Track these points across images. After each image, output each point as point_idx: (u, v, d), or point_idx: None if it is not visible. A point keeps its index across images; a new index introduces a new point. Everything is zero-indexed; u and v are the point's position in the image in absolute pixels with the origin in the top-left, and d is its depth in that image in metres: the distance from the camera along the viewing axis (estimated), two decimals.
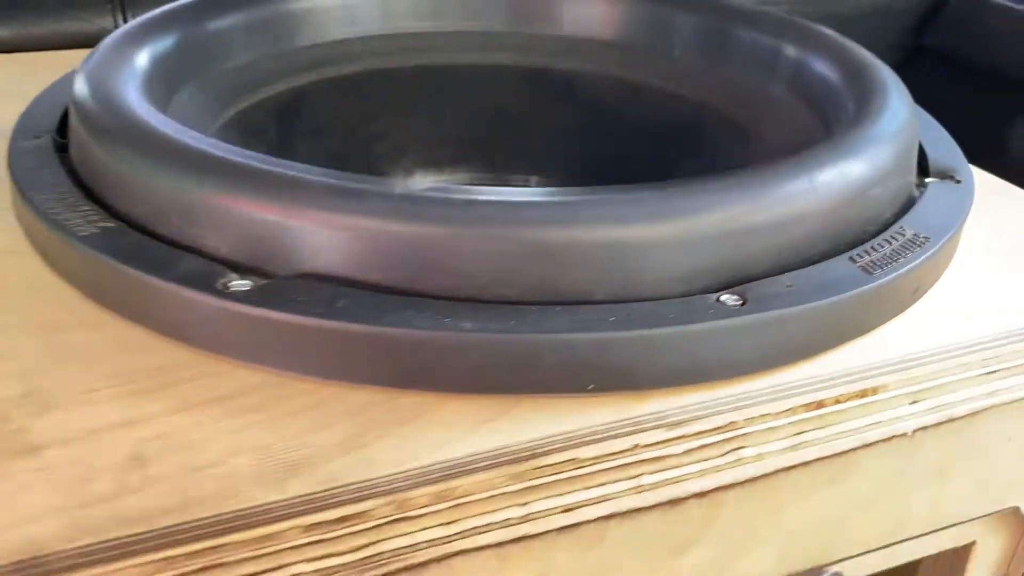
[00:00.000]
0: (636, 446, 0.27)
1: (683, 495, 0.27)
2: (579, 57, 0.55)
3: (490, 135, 0.55)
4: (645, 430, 0.27)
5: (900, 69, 0.43)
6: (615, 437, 0.27)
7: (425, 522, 0.25)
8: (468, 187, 0.29)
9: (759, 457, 0.28)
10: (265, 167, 0.30)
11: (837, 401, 0.29)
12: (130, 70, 0.39)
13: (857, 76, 0.41)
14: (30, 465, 0.25)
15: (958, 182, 0.38)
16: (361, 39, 0.52)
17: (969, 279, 0.35)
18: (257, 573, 0.23)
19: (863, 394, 0.29)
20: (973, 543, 0.36)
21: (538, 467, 0.26)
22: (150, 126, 0.32)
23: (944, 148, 0.41)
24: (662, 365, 0.28)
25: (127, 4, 0.58)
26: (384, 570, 0.24)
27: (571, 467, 0.26)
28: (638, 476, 0.27)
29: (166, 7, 0.45)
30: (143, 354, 0.29)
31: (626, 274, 0.29)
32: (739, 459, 0.28)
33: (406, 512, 0.24)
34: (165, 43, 0.43)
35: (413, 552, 0.25)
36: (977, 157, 0.42)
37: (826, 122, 0.41)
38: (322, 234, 0.29)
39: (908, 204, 0.36)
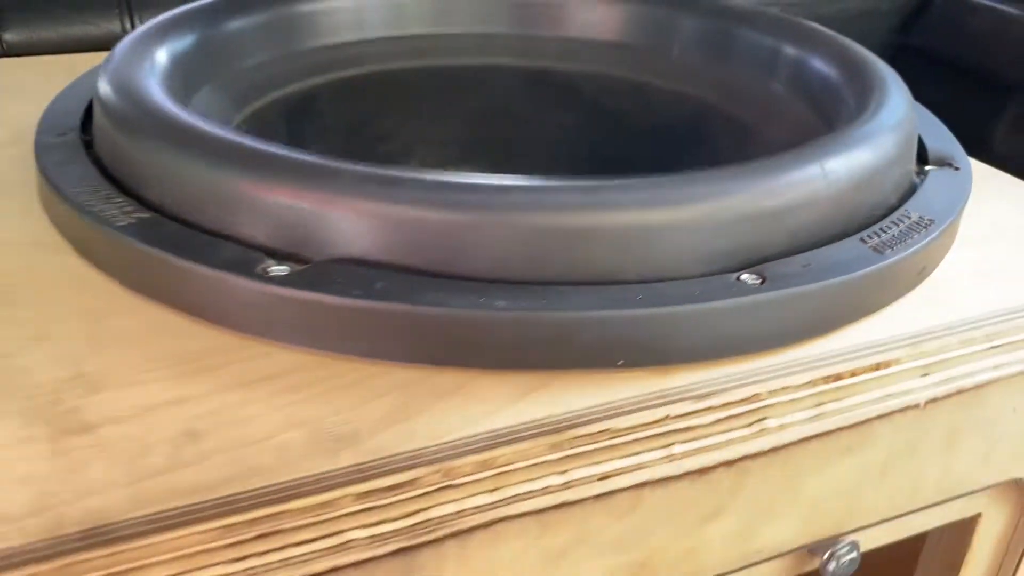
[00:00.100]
0: (667, 417, 0.28)
1: (712, 464, 0.29)
2: (582, 58, 0.56)
3: (494, 135, 0.57)
4: (674, 402, 0.28)
5: None
6: (646, 408, 0.28)
7: (470, 489, 0.26)
8: (499, 175, 0.30)
9: (782, 427, 0.29)
10: (302, 157, 0.31)
11: (853, 374, 0.30)
12: (153, 69, 0.40)
13: (857, 72, 0.43)
14: (86, 442, 0.26)
15: (956, 169, 0.40)
16: (369, 42, 0.54)
17: (971, 260, 0.36)
18: (313, 539, 0.24)
19: (877, 367, 0.31)
20: (979, 516, 0.38)
21: (575, 437, 0.27)
22: (188, 121, 0.33)
23: (941, 138, 0.43)
24: (688, 341, 0.29)
25: (135, 9, 0.59)
26: (433, 536, 0.25)
27: (606, 437, 0.27)
28: (670, 445, 0.28)
29: (182, 8, 0.46)
30: (185, 339, 0.30)
31: (652, 255, 0.30)
32: (763, 429, 0.29)
33: (452, 480, 0.25)
34: (183, 43, 0.44)
35: (460, 518, 0.26)
36: None
37: (826, 118, 0.43)
38: (359, 220, 0.30)
39: (911, 190, 0.37)
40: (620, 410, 0.28)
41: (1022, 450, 0.36)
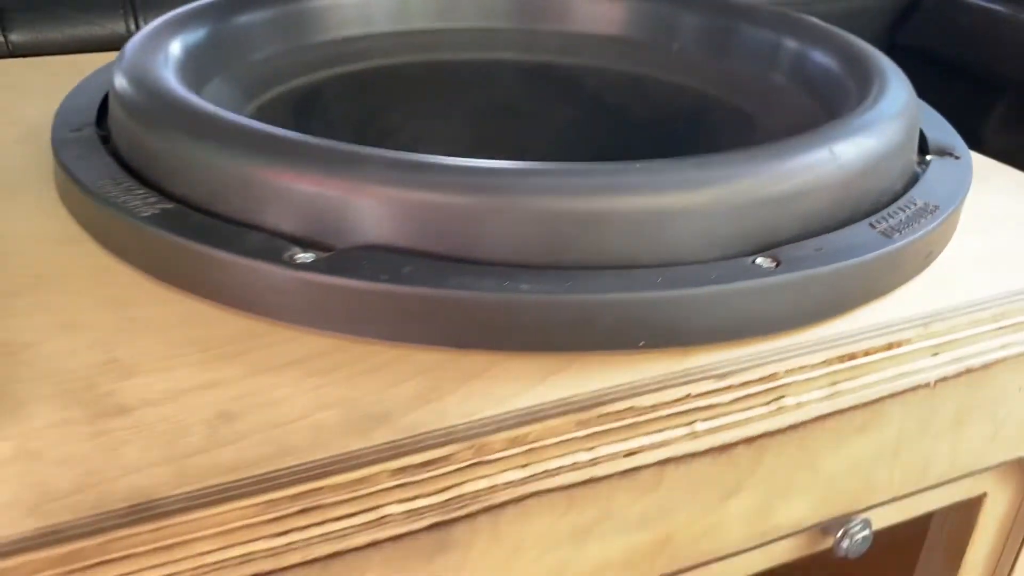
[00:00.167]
0: (688, 395, 0.29)
1: (732, 440, 0.29)
2: (584, 53, 0.57)
3: (498, 129, 0.57)
4: (695, 380, 0.29)
5: None
6: (669, 387, 0.28)
7: (502, 466, 0.26)
8: (522, 161, 0.31)
9: (799, 406, 0.30)
10: (328, 145, 0.31)
11: (866, 353, 0.31)
12: (167, 63, 0.40)
13: (857, 63, 0.44)
14: (123, 423, 0.26)
15: (957, 158, 0.41)
16: (375, 36, 0.54)
17: (974, 246, 0.37)
18: (352, 514, 0.25)
19: (889, 347, 0.31)
20: (984, 495, 0.39)
21: (601, 415, 0.27)
22: (213, 112, 0.34)
23: (940, 128, 0.44)
24: (706, 322, 0.30)
25: (139, 9, 0.59)
26: (467, 511, 0.26)
27: (631, 415, 0.28)
28: (692, 423, 0.29)
29: (192, 5, 0.47)
30: (213, 326, 0.30)
31: (670, 239, 0.31)
32: (781, 407, 0.30)
33: (484, 456, 0.26)
34: (194, 38, 0.44)
35: (492, 494, 0.26)
36: None
37: (828, 108, 0.44)
38: (384, 207, 0.31)
39: (914, 178, 0.38)
40: (643, 389, 0.28)
41: None
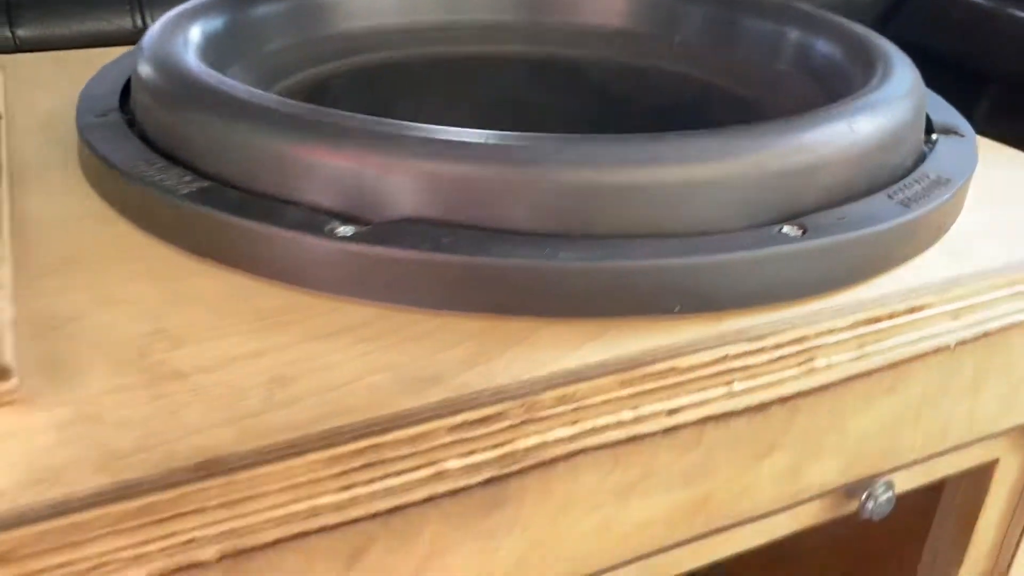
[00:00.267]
0: (726, 356, 0.29)
1: (768, 400, 0.30)
2: (587, 45, 0.58)
3: (503, 120, 0.58)
4: (731, 343, 0.30)
5: None
6: (706, 349, 0.29)
7: (551, 423, 0.27)
8: (557, 135, 0.32)
9: (829, 367, 0.31)
10: (365, 122, 0.32)
11: (890, 317, 0.32)
12: (189, 49, 0.41)
13: (861, 49, 0.45)
14: (180, 388, 0.27)
15: (962, 136, 0.42)
16: (383, 29, 0.55)
17: (983, 219, 0.38)
18: (412, 469, 0.25)
19: (911, 311, 0.32)
20: (996, 461, 0.40)
21: (644, 374, 0.28)
22: (248, 93, 0.34)
23: (943, 109, 0.45)
24: (739, 287, 0.31)
25: (145, 5, 0.60)
26: (520, 466, 0.27)
27: (672, 375, 0.29)
28: (730, 383, 0.29)
29: None
30: (257, 298, 0.31)
31: (701, 208, 0.32)
32: (812, 369, 0.31)
33: (535, 414, 0.27)
34: (209, 27, 0.45)
35: (543, 450, 0.27)
36: None
37: (831, 94, 0.45)
38: (421, 181, 0.31)
39: (923, 155, 0.40)
40: (682, 351, 0.29)
41: None
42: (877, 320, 0.32)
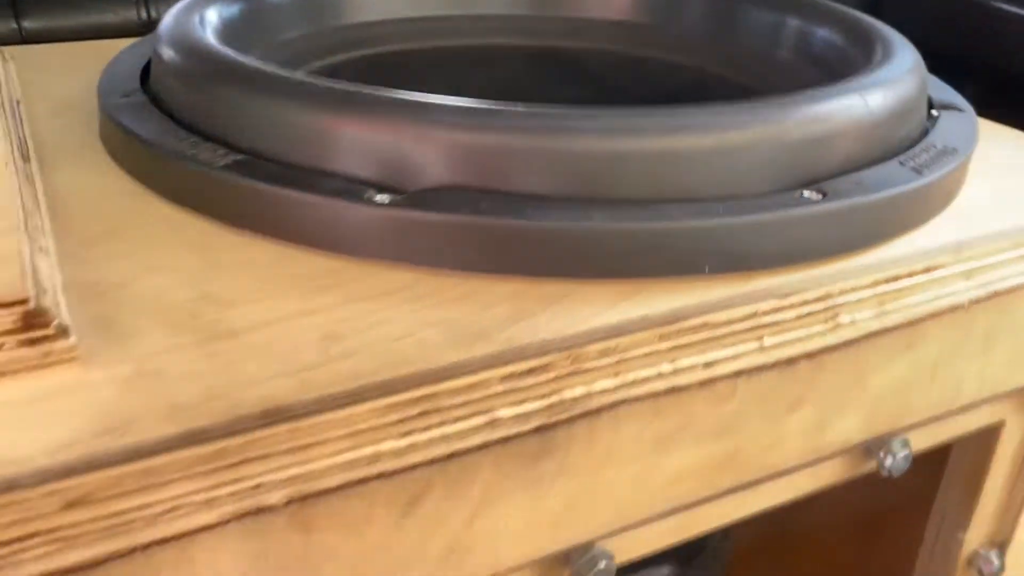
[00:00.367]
0: (756, 312, 0.31)
1: (796, 355, 0.31)
2: (586, 36, 0.59)
3: None
4: (760, 299, 0.31)
5: None
6: (737, 306, 0.30)
7: (595, 375, 0.28)
8: (588, 107, 0.33)
9: (852, 323, 0.32)
10: (399, 95, 0.33)
11: (909, 275, 0.33)
12: (210, 34, 0.42)
13: (861, 32, 0.47)
14: (236, 345, 0.27)
15: (961, 111, 0.44)
16: (390, 22, 0.56)
17: (986, 189, 0.40)
18: (467, 416, 0.26)
19: (927, 270, 0.34)
20: (1002, 423, 0.41)
21: (680, 329, 0.29)
22: (280, 71, 0.35)
23: (940, 88, 0.47)
24: (765, 247, 0.32)
25: None
26: (568, 415, 0.27)
27: (706, 330, 0.30)
28: (761, 338, 0.31)
29: None
30: (298, 264, 0.32)
31: (727, 173, 0.33)
32: (837, 325, 0.32)
33: (580, 365, 0.28)
34: (227, 13, 0.46)
35: (588, 400, 0.28)
36: None
37: (833, 77, 0.47)
38: (457, 150, 0.32)
39: (927, 128, 0.41)
40: (715, 307, 0.30)
41: None
42: (896, 279, 0.33)
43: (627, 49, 0.59)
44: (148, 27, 0.62)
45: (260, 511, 0.24)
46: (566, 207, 0.31)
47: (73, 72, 0.50)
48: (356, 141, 0.33)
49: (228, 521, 0.23)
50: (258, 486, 0.24)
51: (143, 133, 0.37)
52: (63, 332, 0.26)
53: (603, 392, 0.28)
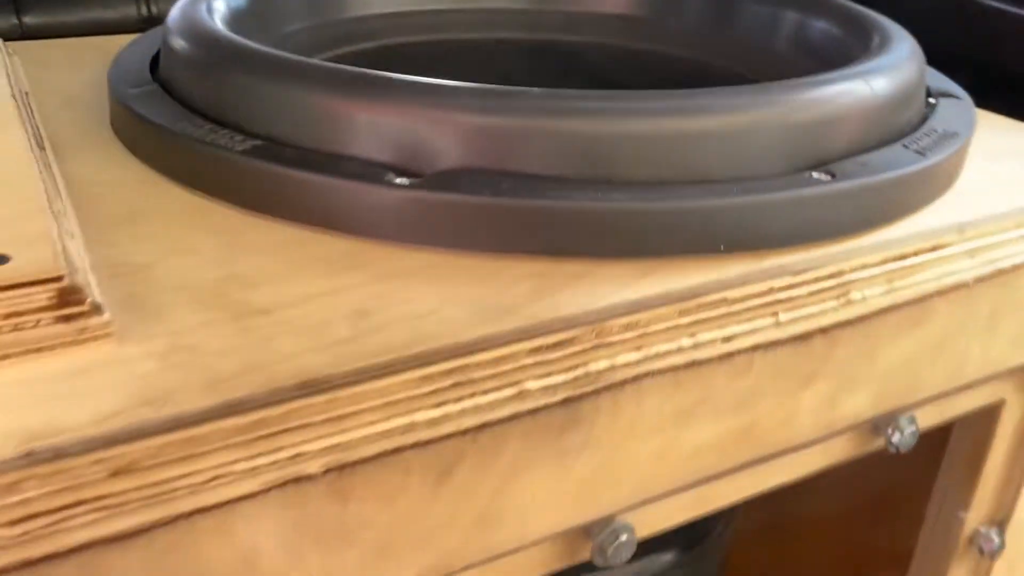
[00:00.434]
0: (771, 288, 0.31)
1: (810, 330, 0.32)
2: (584, 30, 0.60)
3: None
4: (775, 276, 0.32)
5: None
6: (753, 282, 0.31)
7: (619, 348, 0.29)
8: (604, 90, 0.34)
9: (863, 300, 0.33)
10: (417, 80, 0.34)
11: (916, 254, 0.34)
12: (220, 25, 0.42)
13: (857, 21, 0.48)
14: (267, 321, 0.28)
15: (958, 98, 0.45)
16: (391, 15, 0.56)
17: (983, 171, 0.41)
18: (497, 388, 0.27)
19: (933, 248, 0.35)
20: (1003, 402, 0.42)
21: (700, 304, 0.30)
22: (295, 58, 0.35)
23: (937, 77, 0.48)
24: (777, 226, 0.33)
25: None
26: (593, 387, 0.28)
27: (724, 305, 0.30)
28: (776, 314, 0.31)
29: None
30: (319, 247, 0.32)
31: (740, 155, 0.34)
32: (849, 301, 0.33)
33: (604, 339, 0.28)
34: (232, 6, 0.46)
35: (612, 372, 0.28)
36: None
37: (831, 67, 0.48)
38: (475, 132, 0.33)
39: (926, 114, 0.42)
40: (732, 283, 0.31)
41: None
42: (904, 257, 0.34)
43: (626, 43, 0.60)
44: (147, 23, 0.62)
45: (299, 480, 0.24)
46: (585, 188, 0.32)
47: (76, 67, 0.51)
48: (376, 125, 0.33)
49: (268, 490, 0.24)
50: (297, 455, 0.24)
51: (160, 121, 0.37)
52: (97, 309, 0.26)
53: (626, 365, 0.29)
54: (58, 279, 0.26)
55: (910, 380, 0.36)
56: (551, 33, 0.60)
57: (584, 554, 0.32)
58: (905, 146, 0.38)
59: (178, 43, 0.40)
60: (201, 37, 0.39)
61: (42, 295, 0.25)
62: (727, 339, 0.30)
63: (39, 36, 0.58)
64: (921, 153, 0.37)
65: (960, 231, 0.36)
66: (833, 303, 0.32)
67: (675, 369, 0.30)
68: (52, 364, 0.25)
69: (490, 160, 0.33)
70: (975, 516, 0.46)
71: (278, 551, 0.25)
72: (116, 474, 0.22)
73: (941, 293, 0.35)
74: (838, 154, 0.36)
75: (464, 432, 0.26)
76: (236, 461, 0.24)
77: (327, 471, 0.25)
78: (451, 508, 0.27)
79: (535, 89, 0.33)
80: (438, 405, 0.26)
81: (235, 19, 0.46)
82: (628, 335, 0.29)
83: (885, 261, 0.34)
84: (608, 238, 0.32)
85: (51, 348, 0.25)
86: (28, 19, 0.57)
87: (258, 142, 0.35)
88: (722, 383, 0.31)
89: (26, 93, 0.45)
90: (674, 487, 0.32)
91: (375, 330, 0.27)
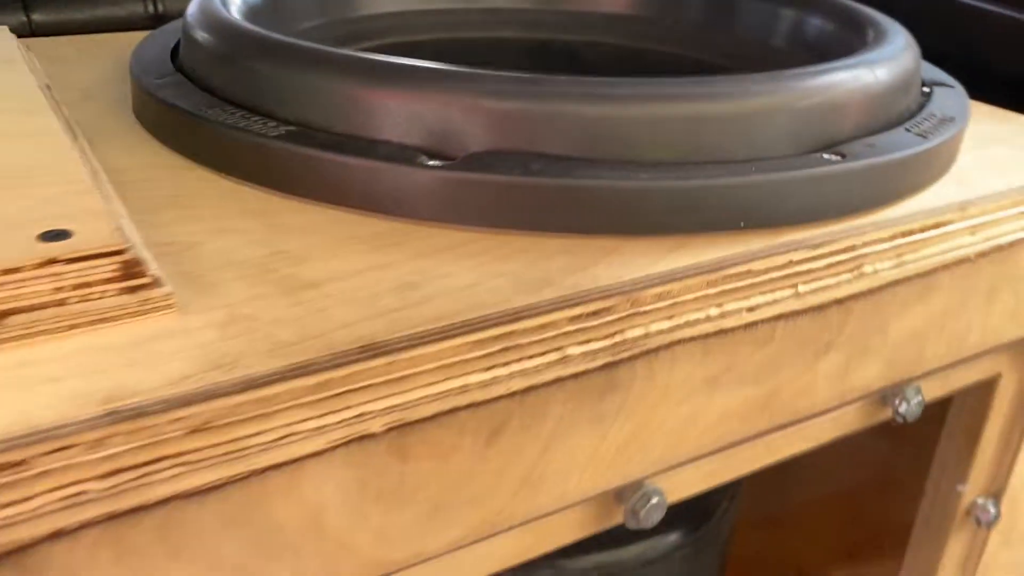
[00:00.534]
0: (791, 261, 0.33)
1: (827, 301, 0.34)
2: (584, 29, 0.61)
3: None
4: (794, 250, 0.33)
5: None
6: (773, 255, 0.33)
7: (652, 317, 0.30)
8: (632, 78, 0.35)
9: (875, 273, 0.35)
10: (447, 67, 0.35)
11: (922, 230, 0.36)
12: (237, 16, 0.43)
13: (851, 16, 0.50)
14: (318, 294, 0.29)
15: (951, 87, 0.47)
16: (397, 14, 0.58)
17: (979, 157, 0.43)
18: (542, 353, 0.28)
19: (937, 225, 0.37)
20: (999, 376, 0.44)
21: (725, 276, 0.32)
22: (329, 47, 0.37)
23: (928, 67, 0.50)
24: (793, 203, 0.35)
25: None
26: (630, 353, 0.30)
27: (748, 277, 0.32)
28: (795, 285, 0.33)
29: None
30: (359, 226, 0.33)
31: (757, 136, 0.35)
32: (862, 274, 0.34)
33: (639, 308, 0.30)
34: (247, 4, 0.47)
35: (647, 339, 0.30)
36: None
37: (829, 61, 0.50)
38: (505, 116, 0.34)
39: (924, 101, 0.44)
40: (755, 256, 0.32)
41: None
42: (911, 233, 0.36)
43: (627, 41, 0.61)
44: (154, 20, 0.63)
45: (363, 438, 0.25)
46: (612, 167, 0.33)
47: (89, 62, 0.51)
48: (410, 111, 0.34)
49: (335, 448, 0.25)
50: (361, 415, 0.25)
51: (191, 108, 0.38)
52: (157, 281, 0.27)
53: (660, 333, 0.30)
54: (120, 252, 0.27)
55: (916, 352, 0.38)
56: (554, 32, 0.62)
57: (617, 517, 0.33)
58: (907, 129, 0.39)
59: (204, 36, 0.41)
60: (229, 31, 0.40)
61: (107, 267, 0.27)
62: (751, 309, 0.32)
63: (47, 33, 0.59)
64: (923, 136, 0.39)
65: (962, 209, 0.37)
66: (848, 275, 0.34)
67: (705, 337, 0.31)
68: (119, 333, 0.26)
69: (519, 143, 0.34)
70: (972, 488, 0.48)
71: (342, 508, 0.26)
72: (193, 432, 0.23)
73: (945, 267, 0.37)
74: (846, 136, 0.38)
75: (512, 394, 0.28)
76: (305, 420, 0.25)
77: (389, 430, 0.26)
78: (499, 468, 0.28)
79: (561, 76, 0.35)
80: (488, 368, 0.27)
81: (251, 15, 0.47)
82: (661, 304, 0.30)
83: (894, 236, 0.35)
84: (636, 215, 0.33)
85: (116, 319, 0.26)
86: (37, 16, 0.58)
87: (292, 128, 0.36)
88: (747, 351, 0.32)
89: (47, 86, 0.46)
90: (700, 453, 0.34)
91: (423, 301, 0.28)
